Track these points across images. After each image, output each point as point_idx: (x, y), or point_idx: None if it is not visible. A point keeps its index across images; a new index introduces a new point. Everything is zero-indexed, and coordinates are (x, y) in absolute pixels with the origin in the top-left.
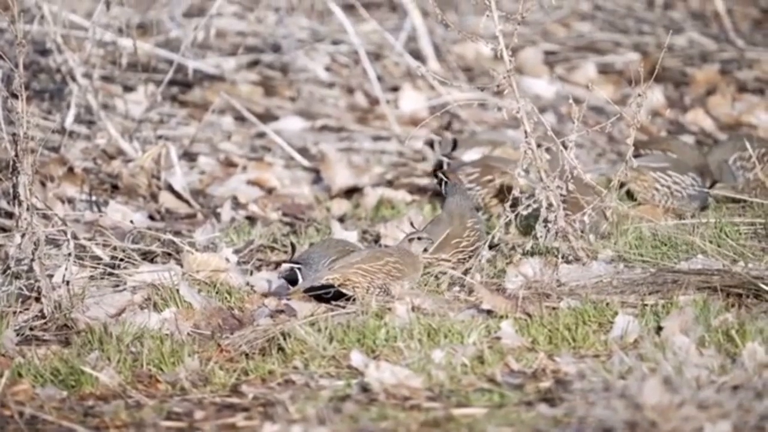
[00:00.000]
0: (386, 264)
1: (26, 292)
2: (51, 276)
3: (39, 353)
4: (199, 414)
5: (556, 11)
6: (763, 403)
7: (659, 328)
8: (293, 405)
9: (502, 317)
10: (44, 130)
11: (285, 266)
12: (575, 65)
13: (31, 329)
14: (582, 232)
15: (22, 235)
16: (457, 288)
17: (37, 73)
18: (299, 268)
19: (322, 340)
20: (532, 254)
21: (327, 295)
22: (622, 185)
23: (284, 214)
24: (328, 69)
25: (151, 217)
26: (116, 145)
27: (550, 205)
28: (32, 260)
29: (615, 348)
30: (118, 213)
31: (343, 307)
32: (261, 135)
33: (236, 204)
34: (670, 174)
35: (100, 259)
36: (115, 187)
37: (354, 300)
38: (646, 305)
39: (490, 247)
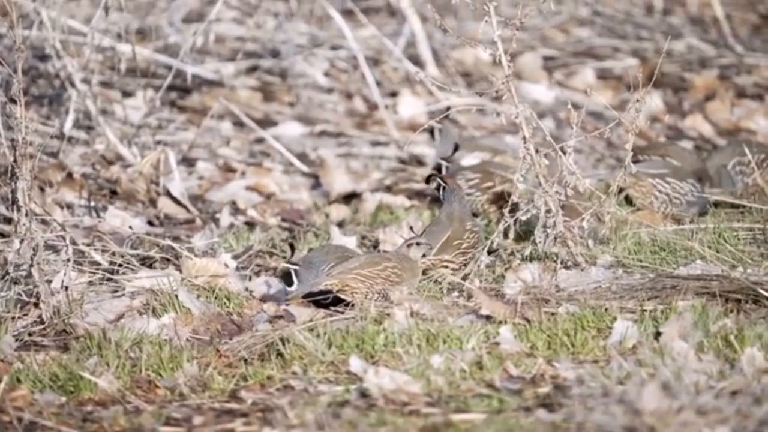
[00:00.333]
0: (385, 269)
1: (25, 298)
2: (50, 281)
3: (38, 359)
4: (197, 419)
5: (554, 17)
6: (761, 408)
7: (658, 334)
8: (292, 410)
9: (500, 323)
10: (43, 136)
11: (282, 266)
12: (574, 71)
13: (29, 335)
14: (581, 237)
15: (21, 241)
16: (455, 293)
17: (36, 79)
18: (296, 270)
19: (321, 346)
20: (531, 260)
21: (326, 300)
22: (620, 191)
23: (283, 220)
24: (326, 74)
25: (150, 223)
26: (115, 150)
27: (548, 210)
28: (31, 266)
29: (614, 353)
30: (117, 218)
31: (342, 313)
32: (260, 140)
33: (235, 209)
34: (669, 180)
35: (99, 264)
36: (113, 193)
37: (353, 305)
38: (645, 311)
39: (489, 253)
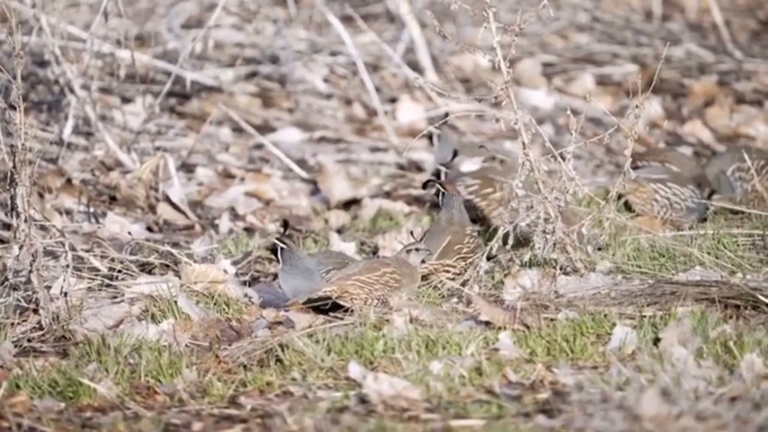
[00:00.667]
0: (384, 275)
1: (24, 304)
2: (49, 287)
3: (37, 365)
4: (197, 425)
5: (554, 23)
6: (761, 414)
7: (657, 340)
8: (291, 416)
9: (500, 329)
10: (42, 142)
11: (271, 240)
12: (573, 77)
13: (29, 341)
14: (580, 243)
15: (20, 247)
16: (455, 299)
17: (35, 85)
18: (282, 248)
19: (320, 352)
20: (530, 266)
21: (325, 306)
22: (620, 197)
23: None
24: (326, 80)
25: (149, 229)
26: (114, 156)
27: (548, 216)
28: (30, 272)
29: (613, 359)
30: (116, 224)
31: (341, 319)
32: (259, 146)
33: (234, 215)
34: (669, 186)
35: (98, 270)
36: (113, 199)
37: (352, 311)
38: (644, 316)
39: (488, 259)
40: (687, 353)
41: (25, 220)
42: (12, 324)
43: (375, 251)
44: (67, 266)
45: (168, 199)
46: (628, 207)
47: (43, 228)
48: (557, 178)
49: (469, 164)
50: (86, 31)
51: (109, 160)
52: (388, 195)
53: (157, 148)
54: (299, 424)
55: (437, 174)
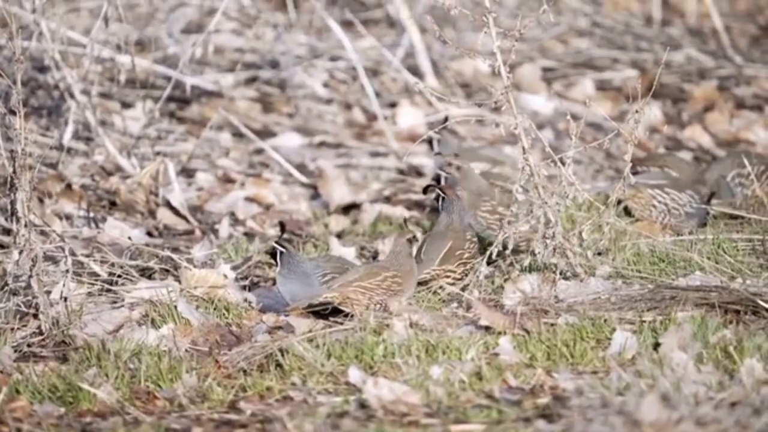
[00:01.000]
0: (385, 279)
1: (24, 309)
2: (49, 292)
3: (37, 370)
4: (197, 430)
5: (554, 28)
6: (761, 419)
7: (657, 345)
8: (291, 421)
9: (500, 333)
10: (42, 147)
11: (271, 244)
12: (573, 81)
13: (28, 346)
14: (580, 248)
15: (20, 252)
16: (455, 304)
17: (35, 90)
18: (281, 252)
19: (320, 357)
20: (530, 270)
21: (325, 310)
22: (619, 202)
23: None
24: (326, 85)
25: (149, 234)
26: (114, 161)
27: (548, 221)
28: (30, 277)
29: (613, 364)
30: (116, 229)
31: (341, 324)
32: (259, 151)
33: (234, 220)
34: (668, 191)
35: (98, 275)
36: (113, 204)
37: (352, 316)
38: (644, 322)
39: (488, 263)
40: (687, 358)
41: (25, 225)
42: (12, 329)
43: (375, 256)
44: (67, 271)
45: (168, 204)
46: (628, 212)
47: (43, 233)
48: (557, 182)
49: None
50: (86, 36)
51: (109, 165)
52: (388, 200)
53: (157, 153)
54: (299, 429)
55: (437, 179)
